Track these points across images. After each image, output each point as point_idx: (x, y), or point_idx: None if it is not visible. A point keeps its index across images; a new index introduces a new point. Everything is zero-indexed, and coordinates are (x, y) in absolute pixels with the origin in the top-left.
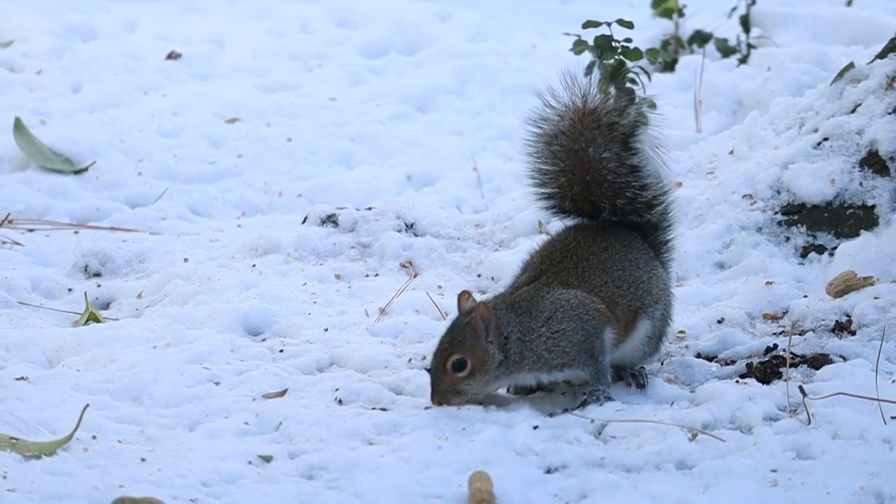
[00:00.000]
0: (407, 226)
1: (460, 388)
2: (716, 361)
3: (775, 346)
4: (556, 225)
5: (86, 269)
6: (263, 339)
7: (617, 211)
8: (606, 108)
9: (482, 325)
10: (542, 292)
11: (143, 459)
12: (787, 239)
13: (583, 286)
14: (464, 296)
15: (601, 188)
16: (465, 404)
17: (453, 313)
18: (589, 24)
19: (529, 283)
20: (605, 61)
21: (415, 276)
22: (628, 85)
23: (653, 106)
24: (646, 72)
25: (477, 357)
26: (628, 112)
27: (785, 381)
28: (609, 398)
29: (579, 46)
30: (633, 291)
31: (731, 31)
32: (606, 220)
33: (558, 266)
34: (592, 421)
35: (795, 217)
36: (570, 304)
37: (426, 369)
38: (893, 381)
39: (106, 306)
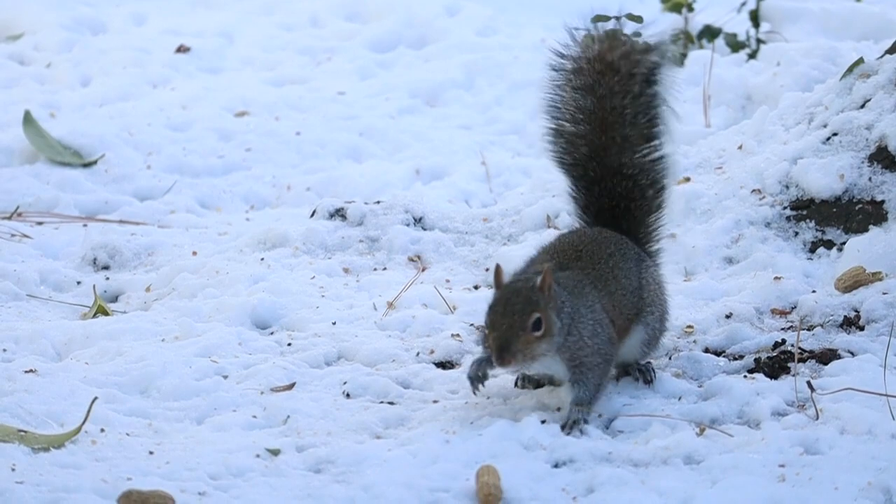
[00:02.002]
0: (415, 220)
1: (533, 349)
2: (724, 356)
3: (783, 341)
4: (565, 220)
5: (94, 262)
6: (271, 333)
7: (622, 175)
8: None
9: (549, 290)
10: (583, 280)
11: (151, 452)
12: (796, 234)
13: (600, 290)
14: (499, 269)
15: (617, 132)
16: (525, 368)
17: (461, 308)
18: (598, 19)
19: (559, 266)
20: None
21: (423, 270)
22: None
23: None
24: None
25: (548, 319)
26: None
27: (793, 376)
28: (585, 433)
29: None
30: (631, 299)
31: (740, 25)
32: (599, 228)
33: (577, 264)
34: (600, 415)
35: (804, 212)
36: (598, 310)
37: (483, 330)
38: None
39: (114, 299)
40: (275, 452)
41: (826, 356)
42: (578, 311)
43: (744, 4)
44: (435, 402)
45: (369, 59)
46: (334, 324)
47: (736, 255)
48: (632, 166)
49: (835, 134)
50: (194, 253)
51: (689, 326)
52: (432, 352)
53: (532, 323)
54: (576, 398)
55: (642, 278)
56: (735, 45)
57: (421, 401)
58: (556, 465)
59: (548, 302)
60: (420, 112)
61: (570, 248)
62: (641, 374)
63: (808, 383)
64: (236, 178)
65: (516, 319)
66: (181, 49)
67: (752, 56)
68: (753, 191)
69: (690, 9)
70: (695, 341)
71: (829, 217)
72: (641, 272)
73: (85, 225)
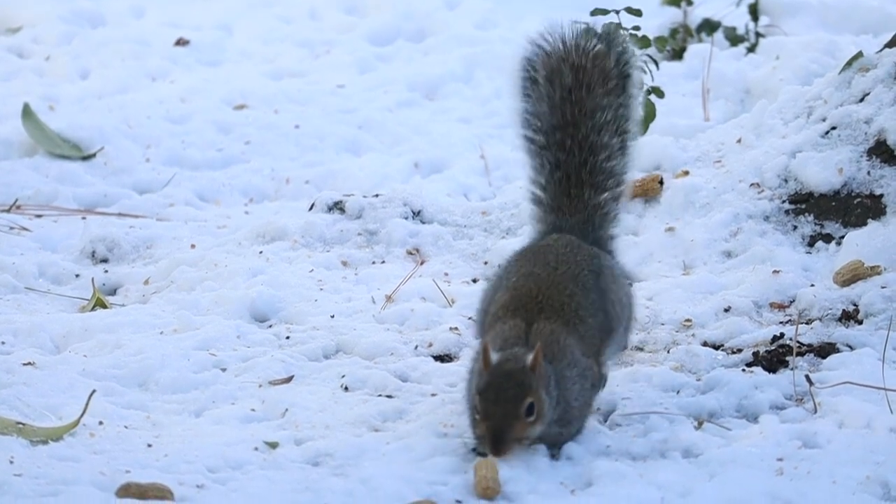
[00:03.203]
0: (414, 213)
1: (528, 434)
2: (722, 350)
3: (782, 334)
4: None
5: (93, 255)
6: (270, 326)
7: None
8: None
9: (542, 371)
10: (555, 331)
11: (149, 445)
12: (795, 228)
13: (572, 334)
14: (487, 349)
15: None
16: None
17: (460, 301)
18: (597, 12)
19: (525, 321)
20: None
21: (421, 263)
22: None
23: (660, 94)
24: (654, 60)
25: (540, 402)
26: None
27: (791, 369)
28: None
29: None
30: (599, 329)
31: (739, 19)
32: (557, 239)
33: (545, 305)
34: (598, 409)
35: (803, 206)
36: (580, 360)
37: (474, 417)
38: None
39: (113, 292)
40: (273, 445)
41: (824, 350)
42: (563, 376)
43: None
44: (433, 395)
45: (368, 52)
46: (333, 317)
47: (734, 249)
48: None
49: (834, 128)
50: (193, 246)
51: (688, 320)
52: (431, 345)
53: (525, 409)
54: (560, 444)
55: (606, 299)
56: (734, 38)
57: (419, 394)
58: (554, 459)
59: (539, 382)
60: (419, 105)
61: (528, 298)
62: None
63: (807, 377)
64: (235, 171)
65: (510, 408)
66: (180, 42)
67: (751, 50)
68: (752, 184)
69: (689, 2)
70: (693, 335)
71: (828, 211)
72: (602, 289)
73: (84, 218)
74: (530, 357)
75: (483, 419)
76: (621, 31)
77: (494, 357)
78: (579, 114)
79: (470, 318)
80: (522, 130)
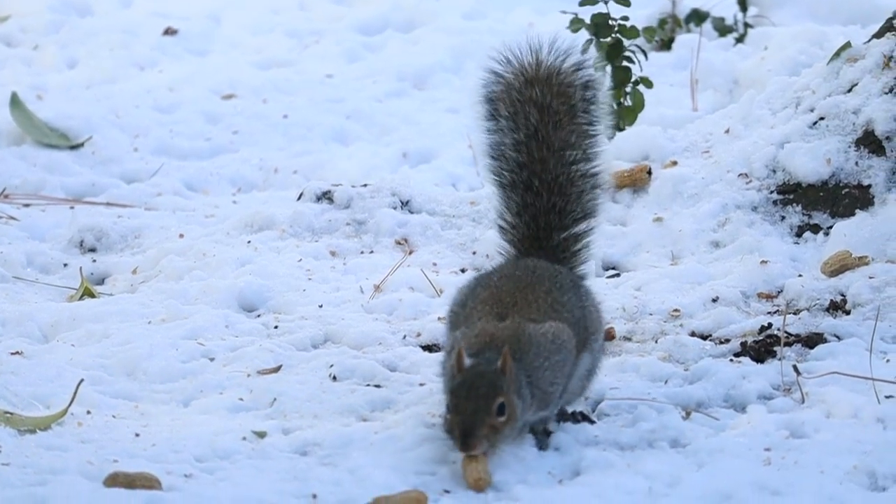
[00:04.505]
0: (402, 203)
1: (498, 434)
2: (710, 340)
3: (770, 324)
4: None
5: (81, 245)
6: (258, 316)
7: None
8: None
9: (511, 373)
10: (523, 328)
11: (137, 434)
12: (783, 218)
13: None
14: (461, 353)
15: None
16: (490, 453)
17: (448, 291)
18: (586, 2)
19: (498, 317)
20: (601, 39)
21: (410, 253)
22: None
23: (649, 84)
24: (642, 50)
25: (511, 404)
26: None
27: (779, 359)
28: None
29: (576, 24)
30: (576, 331)
31: (728, 9)
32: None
33: (515, 309)
34: (586, 398)
35: (791, 196)
36: (554, 334)
37: (446, 416)
38: (887, 361)
39: (101, 281)
40: (261, 435)
41: (812, 340)
42: (532, 367)
43: None
44: (421, 384)
45: (357, 42)
46: (321, 307)
47: (722, 239)
48: (566, 177)
49: (822, 118)
50: (181, 235)
51: (676, 310)
52: (419, 335)
53: (496, 408)
54: (548, 422)
55: (584, 307)
56: (723, 29)
57: (407, 384)
58: (542, 449)
59: (510, 385)
60: (407, 95)
61: (505, 294)
62: (585, 417)
63: (794, 367)
64: (223, 161)
65: (481, 404)
66: (168, 31)
67: (740, 40)
68: (740, 175)
69: None
70: (681, 325)
71: (816, 201)
72: (582, 300)
73: (72, 207)
74: (499, 361)
75: (454, 414)
76: (587, 45)
77: (468, 362)
78: (547, 151)
79: (439, 319)
80: (489, 161)
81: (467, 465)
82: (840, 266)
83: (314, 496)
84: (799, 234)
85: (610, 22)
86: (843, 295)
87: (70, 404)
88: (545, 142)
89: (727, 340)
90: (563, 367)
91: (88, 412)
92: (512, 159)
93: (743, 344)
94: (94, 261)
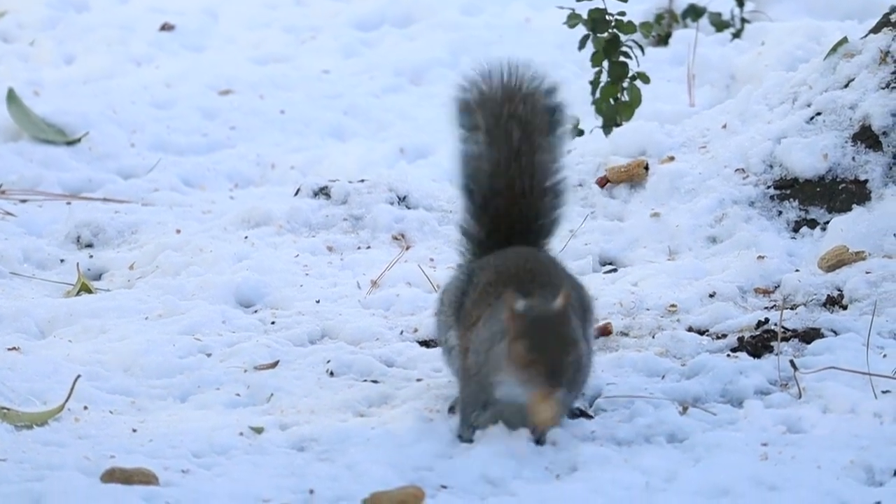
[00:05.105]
0: (399, 198)
1: (576, 380)
2: (707, 335)
3: (767, 320)
4: None
5: (78, 240)
6: (255, 311)
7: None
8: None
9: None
10: (573, 281)
11: (134, 430)
12: (780, 213)
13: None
14: (513, 294)
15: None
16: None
17: (443, 285)
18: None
19: (521, 291)
20: (598, 35)
21: (407, 248)
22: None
23: (646, 80)
24: (639, 46)
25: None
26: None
27: (776, 355)
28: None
29: (573, 20)
30: (580, 295)
31: (725, 5)
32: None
33: (536, 275)
34: (583, 394)
35: (788, 191)
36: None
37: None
38: (884, 356)
39: (98, 277)
40: (258, 430)
41: (809, 335)
42: (587, 323)
43: None
44: (419, 380)
45: (354, 38)
46: (318, 302)
47: (719, 235)
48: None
49: (819, 113)
50: (178, 231)
51: (673, 305)
52: (416, 330)
53: (576, 350)
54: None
55: (579, 285)
56: (719, 24)
57: (405, 379)
58: (538, 444)
59: (578, 331)
60: (404, 90)
61: (517, 270)
62: (571, 413)
63: (791, 362)
64: (220, 157)
65: (567, 340)
66: (165, 27)
67: (737, 35)
68: (737, 170)
69: None
70: (678, 320)
71: (813, 196)
72: (574, 280)
73: (69, 203)
74: (559, 300)
75: (538, 353)
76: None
77: (521, 304)
78: (519, 179)
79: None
80: (461, 178)
81: (538, 403)
82: (837, 261)
83: (311, 491)
84: (796, 230)
85: (607, 17)
86: (839, 290)
87: (67, 400)
88: (524, 169)
89: (724, 336)
90: (588, 359)
91: (85, 408)
92: (485, 183)
93: (740, 339)
94: (91, 256)
